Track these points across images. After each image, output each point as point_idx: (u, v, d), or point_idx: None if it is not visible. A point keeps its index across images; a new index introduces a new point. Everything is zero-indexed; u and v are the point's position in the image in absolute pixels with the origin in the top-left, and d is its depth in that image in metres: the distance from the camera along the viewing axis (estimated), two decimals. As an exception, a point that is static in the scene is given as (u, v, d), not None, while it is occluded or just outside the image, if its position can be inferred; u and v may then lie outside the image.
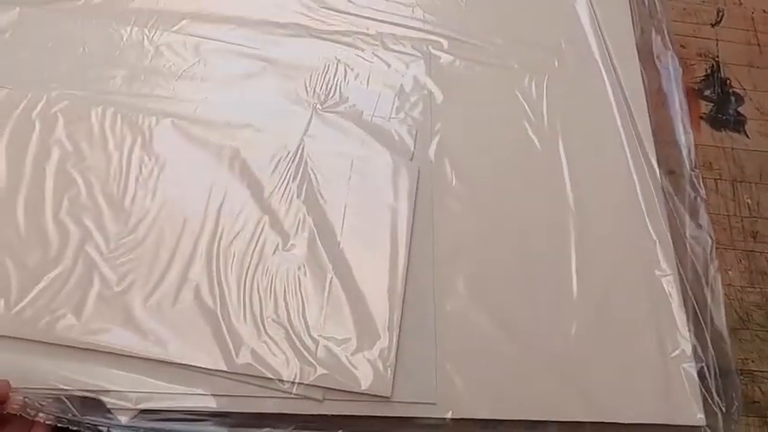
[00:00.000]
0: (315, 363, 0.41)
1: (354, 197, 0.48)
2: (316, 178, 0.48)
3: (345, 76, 0.54)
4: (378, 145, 0.51)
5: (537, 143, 0.53)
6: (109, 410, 0.39)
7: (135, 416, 0.39)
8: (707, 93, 0.56)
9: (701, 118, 0.55)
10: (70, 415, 0.38)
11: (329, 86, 0.53)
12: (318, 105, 0.52)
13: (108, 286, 0.42)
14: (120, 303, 0.41)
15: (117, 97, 0.49)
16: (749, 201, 0.52)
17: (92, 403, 0.39)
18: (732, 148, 0.53)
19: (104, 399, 0.39)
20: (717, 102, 0.56)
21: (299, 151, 0.49)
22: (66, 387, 0.39)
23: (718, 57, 0.58)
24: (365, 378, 0.41)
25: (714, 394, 0.45)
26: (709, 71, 0.58)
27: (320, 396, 0.41)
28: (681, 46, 0.59)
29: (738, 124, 0.55)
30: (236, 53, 0.54)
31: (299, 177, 0.48)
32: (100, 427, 0.38)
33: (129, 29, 0.53)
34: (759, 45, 0.57)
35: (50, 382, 0.39)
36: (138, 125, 0.48)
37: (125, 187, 0.46)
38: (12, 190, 0.44)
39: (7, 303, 0.40)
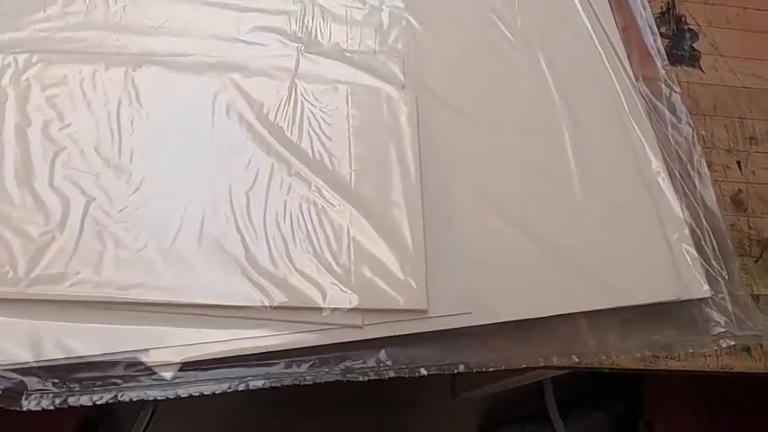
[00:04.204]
0: (349, 290, 0.39)
1: (356, 129, 0.45)
2: (315, 117, 0.45)
3: (324, 17, 0.51)
4: (368, 79, 0.48)
5: (518, 59, 0.52)
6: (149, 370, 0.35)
7: (179, 370, 0.36)
8: (663, 29, 0.57)
9: (653, 64, 0.55)
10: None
11: (309, 29, 0.50)
12: (302, 48, 0.49)
13: (123, 246, 0.38)
14: (140, 260, 0.38)
15: (92, 58, 0.44)
16: (703, 132, 0.54)
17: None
18: (687, 83, 0.54)
19: (143, 358, 0.35)
20: (672, 38, 0.56)
21: (293, 93, 0.46)
22: (96, 353, 0.35)
23: (673, -7, 0.59)
24: (401, 296, 0.40)
25: (714, 264, 0.46)
26: (664, 8, 0.58)
27: (360, 321, 0.39)
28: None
29: (693, 59, 0.56)
30: (208, 4, 0.49)
31: (297, 119, 0.45)
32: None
33: (90, -11, 0.47)
34: (714, -18, 0.58)
35: (78, 352, 0.35)
36: (121, 82, 0.43)
37: (119, 146, 0.41)
38: (-3, 162, 0.39)
39: (16, 275, 0.36)
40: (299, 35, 0.50)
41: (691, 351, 0.43)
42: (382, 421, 0.92)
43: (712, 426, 0.72)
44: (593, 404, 0.92)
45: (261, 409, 0.34)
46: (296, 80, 0.47)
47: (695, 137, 0.49)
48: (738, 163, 0.51)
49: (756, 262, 0.47)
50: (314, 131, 0.45)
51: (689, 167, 0.49)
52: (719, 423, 0.71)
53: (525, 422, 0.93)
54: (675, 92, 0.51)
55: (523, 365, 0.41)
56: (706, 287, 0.45)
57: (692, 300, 0.45)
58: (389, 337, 0.39)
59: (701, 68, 0.55)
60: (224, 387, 0.35)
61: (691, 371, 0.42)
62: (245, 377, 0.36)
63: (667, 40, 0.55)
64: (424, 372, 0.38)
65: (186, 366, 0.36)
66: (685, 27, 0.57)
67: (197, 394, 0.35)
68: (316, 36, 0.50)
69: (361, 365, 0.38)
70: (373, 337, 0.39)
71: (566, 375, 0.81)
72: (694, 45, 0.56)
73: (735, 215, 0.47)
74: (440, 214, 0.44)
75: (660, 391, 0.78)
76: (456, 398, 0.94)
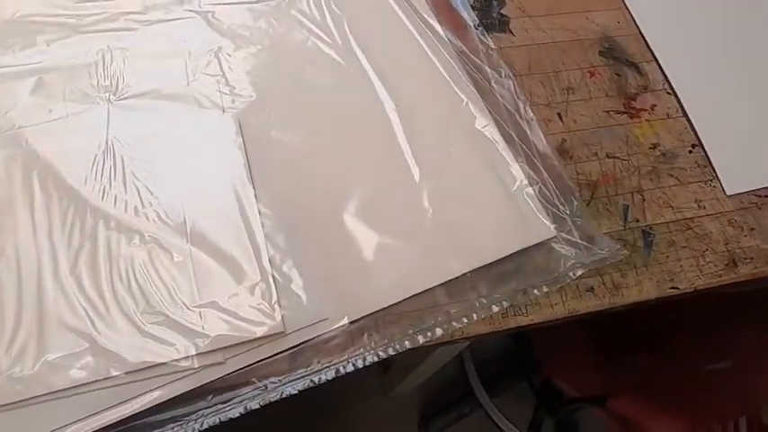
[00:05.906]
0: (205, 331, 0.40)
1: (183, 168, 0.45)
2: (136, 167, 0.45)
3: (127, 61, 0.49)
4: (186, 110, 0.48)
5: (335, 55, 0.52)
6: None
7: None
8: (470, 2, 0.57)
9: (466, 27, 0.55)
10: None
11: (114, 76, 0.49)
12: (111, 97, 0.47)
13: (-39, 354, 0.37)
14: (-18, 364, 0.37)
15: None
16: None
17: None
18: (500, 48, 0.54)
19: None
20: (480, 8, 0.57)
21: (110, 149, 0.45)
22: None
23: (476, -35, 0.59)
24: (257, 324, 0.40)
25: (557, 203, 0.48)
26: (468, -20, 0.58)
27: (222, 358, 0.39)
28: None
29: (503, 25, 0.57)
30: (4, 76, 0.47)
31: (119, 174, 0.44)
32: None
33: None
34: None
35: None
36: None
37: (-63, 254, 0.40)
38: None
39: None
40: (105, 83, 0.48)
41: (546, 291, 0.45)
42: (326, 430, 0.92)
43: (600, 368, 0.76)
44: (516, 375, 0.96)
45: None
46: (110, 133, 0.46)
47: (517, 87, 0.51)
48: (559, 114, 0.53)
49: (588, 204, 0.49)
50: (139, 182, 0.44)
51: (517, 117, 0.51)
52: (604, 365, 0.76)
53: (460, 406, 0.97)
54: (492, 49, 0.52)
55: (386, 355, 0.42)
56: (552, 227, 0.47)
57: (542, 242, 0.47)
58: (256, 364, 0.40)
59: (511, 32, 0.56)
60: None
61: (540, 323, 0.44)
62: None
63: (476, 12, 0.56)
64: (293, 390, 0.39)
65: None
66: (491, -4, 0.57)
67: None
68: (123, 80, 0.48)
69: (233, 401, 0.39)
70: (237, 368, 0.40)
71: (485, 353, 0.83)
72: (502, 11, 0.57)
73: (562, 164, 0.49)
74: (282, 229, 0.44)
75: (549, 346, 0.82)
76: (389, 394, 0.95)
